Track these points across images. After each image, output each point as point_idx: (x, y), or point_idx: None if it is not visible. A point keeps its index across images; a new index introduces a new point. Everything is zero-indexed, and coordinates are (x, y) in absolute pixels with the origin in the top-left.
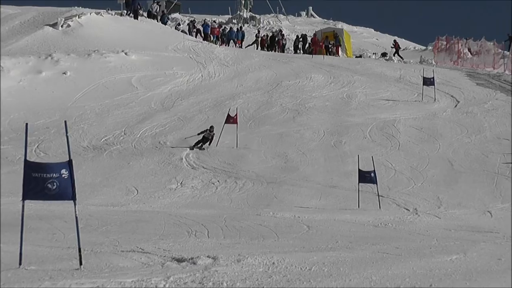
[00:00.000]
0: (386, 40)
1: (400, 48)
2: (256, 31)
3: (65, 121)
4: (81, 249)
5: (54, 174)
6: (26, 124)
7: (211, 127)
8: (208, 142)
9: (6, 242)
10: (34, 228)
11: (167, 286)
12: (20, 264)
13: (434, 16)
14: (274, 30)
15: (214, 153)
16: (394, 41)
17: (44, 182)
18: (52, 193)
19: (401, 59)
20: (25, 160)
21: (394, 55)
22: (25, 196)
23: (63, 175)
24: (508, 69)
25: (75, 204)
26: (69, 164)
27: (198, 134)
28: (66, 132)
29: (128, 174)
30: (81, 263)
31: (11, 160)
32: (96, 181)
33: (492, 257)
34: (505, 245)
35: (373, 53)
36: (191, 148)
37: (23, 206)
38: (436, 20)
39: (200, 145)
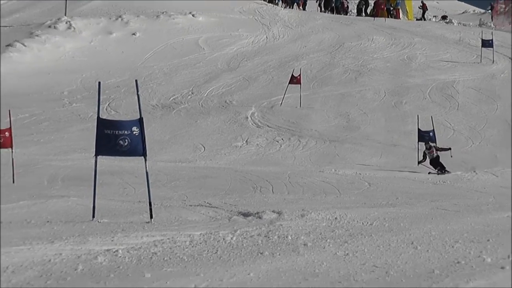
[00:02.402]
0: (446, 4)
1: (427, 9)
2: None
3: (136, 80)
4: (152, 203)
5: (126, 131)
6: (99, 82)
7: (425, 144)
8: (437, 161)
9: (80, 195)
10: (106, 183)
11: (234, 239)
12: (93, 217)
13: None
14: None
15: (278, 112)
16: (422, 2)
17: (116, 138)
18: (123, 149)
19: (423, 19)
20: (98, 118)
21: (422, 17)
22: (98, 152)
23: (134, 132)
24: None
25: (145, 160)
26: (139, 122)
27: (420, 163)
28: (137, 91)
29: (195, 132)
30: (151, 217)
31: (84, 117)
32: (165, 138)
33: None
34: None
35: (434, 16)
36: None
37: (95, 161)
38: None
39: (438, 170)
